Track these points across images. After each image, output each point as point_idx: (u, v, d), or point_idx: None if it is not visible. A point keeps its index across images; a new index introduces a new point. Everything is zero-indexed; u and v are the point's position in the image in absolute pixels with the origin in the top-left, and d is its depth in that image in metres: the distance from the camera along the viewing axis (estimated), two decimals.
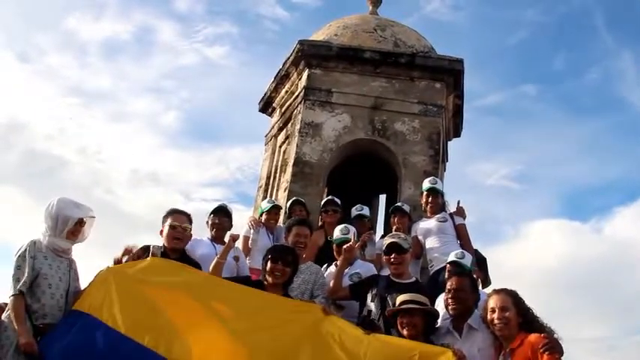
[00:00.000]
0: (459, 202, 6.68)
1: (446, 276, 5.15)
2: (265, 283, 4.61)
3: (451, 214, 6.45)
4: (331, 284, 5.30)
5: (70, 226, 4.24)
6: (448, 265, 5.24)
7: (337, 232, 5.74)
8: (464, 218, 6.52)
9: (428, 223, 6.38)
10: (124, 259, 4.75)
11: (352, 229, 5.80)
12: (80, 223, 4.30)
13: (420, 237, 6.33)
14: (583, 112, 31.98)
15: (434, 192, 6.49)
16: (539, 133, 30.80)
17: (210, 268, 4.91)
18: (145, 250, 4.78)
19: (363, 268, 5.59)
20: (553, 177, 31.37)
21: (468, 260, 5.23)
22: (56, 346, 3.90)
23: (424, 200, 6.54)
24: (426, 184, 6.60)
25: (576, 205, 33.61)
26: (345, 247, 5.36)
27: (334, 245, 5.71)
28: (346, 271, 5.52)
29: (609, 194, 32.82)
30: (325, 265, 5.81)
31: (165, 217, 4.99)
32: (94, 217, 4.40)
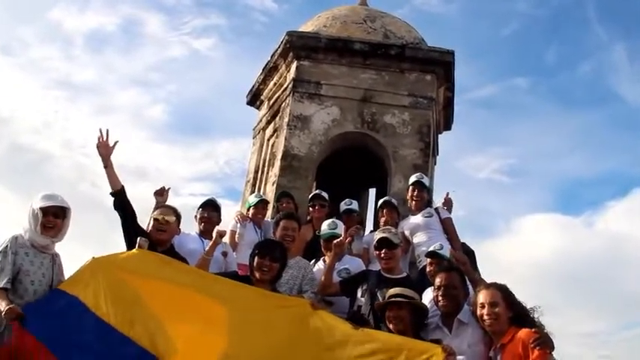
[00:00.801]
0: (447, 194, 6.71)
1: (428, 269, 5.21)
2: (253, 278, 4.61)
3: (436, 209, 6.46)
4: (321, 280, 5.31)
5: (40, 219, 4.16)
6: (428, 258, 5.28)
7: (325, 227, 5.74)
8: (450, 211, 6.55)
9: (414, 219, 6.39)
10: None
11: (340, 224, 5.80)
12: (54, 214, 4.22)
13: (406, 232, 6.34)
14: (575, 106, 32.26)
15: (420, 185, 6.49)
16: (532, 127, 31.03)
17: (197, 264, 4.91)
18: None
19: (352, 264, 5.60)
20: (545, 171, 31.64)
21: (446, 251, 5.28)
22: (40, 318, 3.88)
23: (409, 194, 6.54)
24: (413, 178, 6.62)
25: (568, 200, 33.97)
26: (335, 242, 5.36)
27: (322, 240, 5.71)
28: (335, 266, 5.53)
29: (601, 188, 33.19)
30: (313, 261, 5.81)
31: (152, 211, 5.11)
32: (66, 208, 4.29)
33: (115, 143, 5.06)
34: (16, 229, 4.24)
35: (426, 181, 6.63)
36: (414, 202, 6.49)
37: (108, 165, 5.03)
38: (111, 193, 5.03)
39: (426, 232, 6.23)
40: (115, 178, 5.04)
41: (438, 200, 6.80)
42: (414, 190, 6.50)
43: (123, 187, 5.05)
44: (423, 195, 6.51)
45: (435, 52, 8.49)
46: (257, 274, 4.58)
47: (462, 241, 6.30)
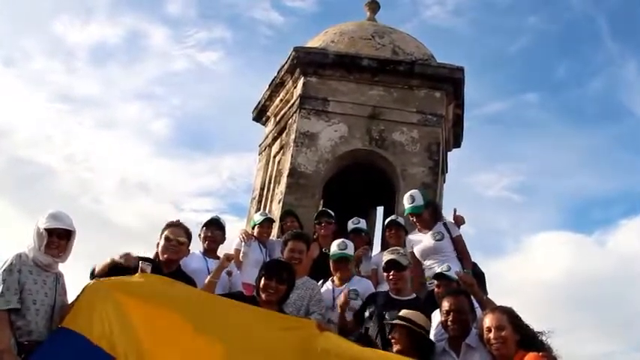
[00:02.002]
0: (455, 211, 6.59)
1: (435, 290, 5.22)
2: (259, 299, 4.62)
3: (446, 225, 6.36)
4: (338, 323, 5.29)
5: (45, 239, 4.18)
6: (436, 281, 5.32)
7: (334, 247, 5.75)
8: (459, 226, 6.43)
9: (425, 241, 6.31)
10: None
11: (350, 244, 5.81)
12: (59, 236, 4.24)
13: (417, 254, 6.30)
14: (586, 122, 32.15)
15: (416, 213, 6.39)
16: (541, 143, 30.92)
17: (203, 287, 4.93)
18: (111, 267, 4.58)
19: (360, 285, 5.59)
20: (555, 188, 31.46)
21: (453, 273, 5.27)
22: None
23: (411, 220, 6.52)
24: (405, 203, 6.48)
25: (579, 218, 33.69)
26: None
27: (331, 261, 5.71)
28: (343, 287, 5.54)
29: (613, 206, 32.93)
30: (322, 282, 5.82)
31: (163, 229, 5.04)
32: (70, 230, 4.30)
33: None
34: (16, 242, 4.26)
35: (418, 202, 6.40)
36: (417, 224, 6.44)
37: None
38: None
39: (438, 255, 6.19)
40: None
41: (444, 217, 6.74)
42: (412, 217, 6.45)
43: None
44: (422, 218, 6.38)
45: (445, 68, 8.54)
46: (263, 296, 4.58)
47: (473, 261, 6.27)
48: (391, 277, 5.13)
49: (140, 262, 4.53)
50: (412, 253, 6.32)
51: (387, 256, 5.26)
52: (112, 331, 4.03)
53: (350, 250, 5.71)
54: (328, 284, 5.70)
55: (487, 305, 4.74)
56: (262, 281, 4.59)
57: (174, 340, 4.10)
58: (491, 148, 31.95)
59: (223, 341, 4.13)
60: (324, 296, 5.51)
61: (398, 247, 5.75)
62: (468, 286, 4.84)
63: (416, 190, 6.65)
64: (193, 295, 4.53)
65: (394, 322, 4.42)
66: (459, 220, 6.51)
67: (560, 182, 31.03)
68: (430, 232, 6.32)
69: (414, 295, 5.24)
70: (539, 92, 32.03)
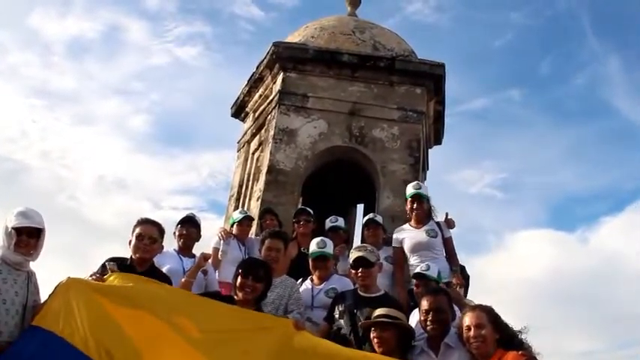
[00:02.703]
0: (447, 215, 6.57)
1: (415, 290, 5.23)
2: (235, 298, 4.60)
3: (439, 224, 6.39)
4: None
5: (14, 238, 4.14)
6: (415, 280, 5.32)
7: (313, 246, 5.72)
8: (451, 228, 6.47)
9: (417, 236, 6.31)
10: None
11: (329, 243, 5.79)
12: (28, 234, 4.19)
13: (405, 248, 6.30)
14: (569, 118, 32.52)
15: (419, 198, 6.42)
16: (525, 140, 31.24)
17: (179, 287, 4.90)
18: (104, 268, 4.65)
19: (340, 283, 5.58)
20: (538, 185, 31.79)
21: (433, 271, 5.30)
22: None
23: (409, 207, 6.46)
24: (410, 189, 6.52)
25: (562, 215, 34.08)
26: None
27: (311, 259, 5.69)
28: (322, 286, 5.54)
29: (596, 204, 33.35)
30: (300, 280, 5.81)
31: (134, 227, 4.99)
32: (40, 228, 4.25)
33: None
34: None
35: (424, 190, 6.53)
36: (414, 214, 6.41)
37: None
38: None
39: (428, 252, 6.18)
40: None
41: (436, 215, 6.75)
42: (412, 203, 6.41)
43: None
44: (423, 207, 6.41)
45: (426, 64, 8.56)
46: (240, 294, 4.56)
47: (461, 264, 6.27)
48: (360, 274, 5.12)
49: (106, 262, 4.51)
50: (400, 249, 6.32)
51: (354, 254, 5.24)
52: (84, 328, 4.00)
53: (329, 248, 5.70)
54: (307, 283, 5.69)
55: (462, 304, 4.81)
56: (239, 279, 4.58)
57: (151, 336, 4.08)
58: (474, 145, 32.22)
59: (200, 337, 4.11)
60: (303, 295, 5.50)
61: (366, 245, 5.74)
62: (460, 286, 4.87)
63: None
64: (168, 293, 4.50)
65: (383, 320, 4.39)
66: (450, 224, 6.52)
67: (543, 179, 31.38)
68: (424, 228, 6.32)
69: (383, 292, 5.23)
70: (522, 88, 32.36)
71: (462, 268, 6.26)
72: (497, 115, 32.33)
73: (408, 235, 6.37)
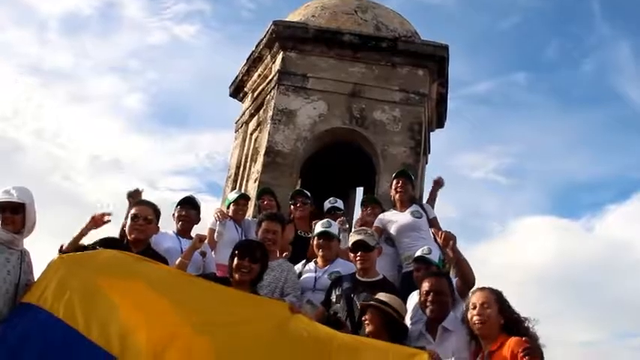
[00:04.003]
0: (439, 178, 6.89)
1: (415, 274, 5.23)
2: (232, 280, 4.63)
3: (422, 206, 6.49)
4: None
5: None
6: (415, 263, 5.32)
7: (319, 225, 5.71)
8: (440, 188, 6.81)
9: (402, 218, 6.35)
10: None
11: (334, 224, 5.78)
12: (12, 210, 4.22)
13: (392, 232, 6.33)
14: (576, 104, 32.44)
15: (405, 177, 6.52)
16: (530, 125, 31.18)
17: (174, 267, 4.93)
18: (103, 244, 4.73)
19: (344, 268, 5.57)
20: (543, 172, 31.77)
21: (435, 256, 5.32)
22: (3, 341, 3.90)
23: (393, 188, 6.54)
24: (396, 172, 6.67)
25: (567, 202, 34.10)
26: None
27: (315, 239, 5.67)
28: (326, 268, 5.55)
29: (602, 191, 33.37)
30: (304, 262, 5.83)
31: (129, 207, 5.03)
32: (23, 204, 4.28)
33: (105, 222, 4.78)
34: None
35: (408, 175, 6.63)
36: (398, 195, 6.48)
37: (84, 235, 4.76)
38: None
39: (416, 233, 6.23)
40: (77, 243, 4.73)
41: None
42: (397, 183, 6.50)
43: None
44: (408, 188, 6.52)
45: (429, 46, 8.55)
46: (236, 276, 4.60)
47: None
48: (358, 257, 5.14)
49: (95, 245, 4.56)
50: (379, 228, 6.32)
51: (354, 237, 5.25)
52: (74, 304, 4.05)
53: (334, 229, 5.69)
54: (311, 265, 5.69)
55: (463, 266, 4.83)
56: (235, 260, 4.61)
57: (142, 314, 4.11)
58: (478, 129, 32.16)
59: (194, 317, 4.15)
60: (306, 277, 5.52)
61: (365, 227, 5.77)
62: (451, 240, 4.84)
63: None
64: (163, 271, 4.54)
65: (370, 302, 4.43)
66: (438, 184, 6.78)
67: (549, 165, 31.35)
68: (408, 210, 6.37)
69: (382, 276, 5.24)
70: (528, 72, 32.22)
71: None
72: (503, 99, 32.26)
73: (392, 217, 6.41)
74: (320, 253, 5.62)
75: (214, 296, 4.34)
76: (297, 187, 7.84)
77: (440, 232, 5.00)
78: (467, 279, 4.84)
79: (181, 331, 4.08)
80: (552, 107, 31.97)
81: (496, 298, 4.13)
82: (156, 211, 5.08)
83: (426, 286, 4.51)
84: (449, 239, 4.83)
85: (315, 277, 5.54)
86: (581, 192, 33.46)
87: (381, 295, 4.51)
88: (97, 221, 4.69)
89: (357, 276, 5.14)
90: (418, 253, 5.36)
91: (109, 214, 4.76)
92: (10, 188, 4.29)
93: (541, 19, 31.35)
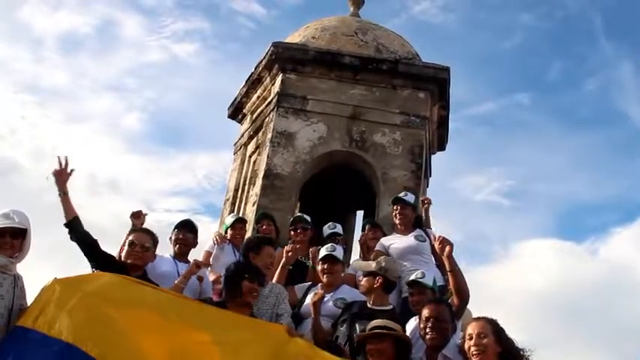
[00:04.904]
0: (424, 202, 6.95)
1: (410, 298, 5.28)
2: (229, 304, 4.64)
3: (426, 231, 6.48)
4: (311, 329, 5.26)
5: None
6: (409, 288, 5.35)
7: (323, 250, 5.73)
8: (427, 206, 6.85)
9: (405, 241, 6.36)
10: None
11: (339, 248, 5.80)
12: (12, 235, 4.23)
13: (394, 256, 6.28)
14: (579, 125, 32.52)
15: (403, 204, 6.55)
16: (533, 146, 31.24)
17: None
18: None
19: (350, 294, 5.58)
20: (546, 193, 31.76)
21: (429, 279, 5.32)
22: None
23: (393, 214, 6.62)
24: (396, 196, 6.71)
25: (571, 225, 33.99)
26: (312, 301, 5.31)
27: (320, 263, 5.68)
28: (330, 295, 5.54)
29: (606, 214, 33.30)
30: (309, 285, 5.88)
31: (128, 234, 5.13)
32: (23, 229, 4.30)
33: (72, 171, 5.02)
34: None
35: (409, 198, 6.68)
36: (398, 220, 6.53)
37: (66, 192, 4.98)
38: (65, 224, 4.97)
39: (418, 257, 6.22)
40: (71, 207, 4.99)
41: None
42: (396, 208, 6.57)
43: (77, 216, 5.01)
44: (406, 213, 6.54)
45: (430, 68, 8.61)
46: (247, 299, 4.63)
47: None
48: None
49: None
50: (380, 252, 6.32)
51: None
52: (70, 324, 4.04)
53: (339, 253, 5.71)
54: (316, 290, 5.67)
55: (458, 277, 4.86)
56: (246, 283, 4.63)
57: (140, 335, 4.12)
58: (481, 151, 32.22)
59: (193, 340, 4.16)
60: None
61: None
62: (447, 246, 4.86)
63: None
64: (161, 294, 4.56)
65: (379, 331, 4.40)
66: (424, 201, 6.94)
67: (552, 187, 31.35)
68: (411, 234, 6.39)
69: (392, 306, 5.26)
70: (531, 93, 32.35)
71: None
72: (505, 120, 32.38)
73: (394, 240, 6.42)
74: (325, 278, 5.63)
75: (213, 319, 4.36)
76: (296, 211, 7.85)
77: (438, 236, 5.06)
78: (461, 293, 4.89)
79: (181, 355, 4.09)
80: (555, 128, 32.12)
81: (493, 328, 4.18)
82: (153, 239, 5.14)
83: (426, 312, 4.51)
84: (445, 244, 4.88)
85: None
86: (585, 214, 33.41)
87: (379, 322, 4.49)
88: (61, 173, 4.89)
89: (366, 304, 5.15)
90: (412, 277, 5.38)
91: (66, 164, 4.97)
92: (10, 212, 4.31)
93: (543, 40, 31.57)
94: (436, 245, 5.03)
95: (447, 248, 4.86)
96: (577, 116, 31.80)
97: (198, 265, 5.21)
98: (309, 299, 5.49)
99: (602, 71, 31.04)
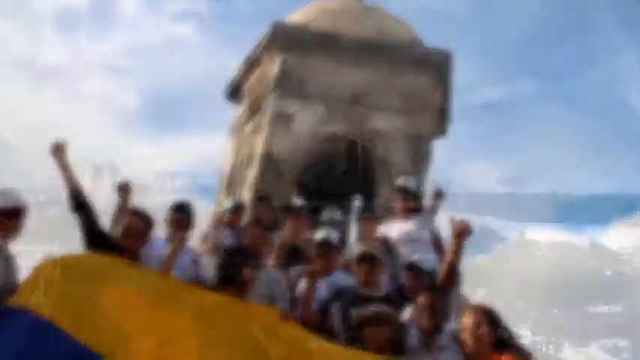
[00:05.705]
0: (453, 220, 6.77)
1: (407, 283, 5.29)
2: (230, 286, 4.66)
3: (426, 218, 6.48)
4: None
5: None
6: (405, 271, 5.36)
7: (319, 234, 5.70)
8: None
9: (403, 226, 6.34)
10: None
11: (334, 233, 5.80)
12: (6, 215, 4.28)
13: (392, 240, 6.30)
14: (583, 114, 32.62)
15: (402, 188, 6.52)
16: (536, 134, 31.31)
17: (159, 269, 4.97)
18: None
19: (343, 280, 5.58)
20: (548, 183, 31.87)
21: (427, 264, 5.34)
22: None
23: (394, 199, 6.60)
24: (398, 182, 6.66)
25: (572, 215, 34.11)
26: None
27: (315, 248, 5.67)
28: (324, 280, 5.54)
29: (608, 204, 33.38)
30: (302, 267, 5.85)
31: (118, 210, 5.14)
32: (19, 208, 4.35)
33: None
34: None
35: (411, 184, 6.62)
36: (398, 207, 6.50)
37: (67, 165, 4.99)
38: (70, 195, 4.99)
39: (419, 243, 6.21)
40: (74, 177, 5.01)
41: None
42: (397, 195, 6.54)
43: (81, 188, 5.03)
44: (407, 198, 6.49)
45: (432, 52, 8.60)
46: (248, 284, 4.67)
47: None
48: (364, 270, 5.15)
49: None
50: (386, 240, 6.35)
51: (360, 248, 5.27)
52: (63, 305, 4.07)
53: (334, 238, 5.70)
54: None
55: (457, 262, 4.89)
56: (247, 271, 4.66)
57: (132, 316, 4.15)
58: (483, 137, 32.30)
59: (185, 322, 4.19)
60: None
61: (370, 240, 5.78)
62: (465, 230, 4.84)
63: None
64: (153, 276, 4.60)
65: (370, 315, 4.45)
66: (440, 194, 6.80)
67: (554, 177, 31.44)
68: (412, 220, 6.38)
69: (385, 292, 5.26)
70: (536, 80, 32.34)
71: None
72: (509, 107, 32.47)
73: (394, 226, 6.41)
74: (319, 263, 5.63)
75: (205, 302, 4.39)
76: (294, 194, 7.84)
77: (459, 219, 4.97)
78: (453, 276, 4.91)
79: (173, 337, 4.11)
80: (559, 116, 32.20)
81: (487, 317, 4.21)
82: (148, 224, 5.13)
83: (422, 300, 4.53)
84: (464, 229, 4.83)
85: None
86: (587, 204, 33.49)
87: (377, 308, 4.52)
88: (59, 148, 4.93)
89: (358, 289, 5.15)
90: (410, 259, 5.39)
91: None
92: (4, 190, 4.34)
93: (550, 27, 31.52)
94: (453, 225, 4.98)
95: (463, 232, 4.84)
96: (581, 104, 32.06)
97: (180, 240, 5.20)
98: (303, 283, 5.52)
99: (608, 60, 31.12)
